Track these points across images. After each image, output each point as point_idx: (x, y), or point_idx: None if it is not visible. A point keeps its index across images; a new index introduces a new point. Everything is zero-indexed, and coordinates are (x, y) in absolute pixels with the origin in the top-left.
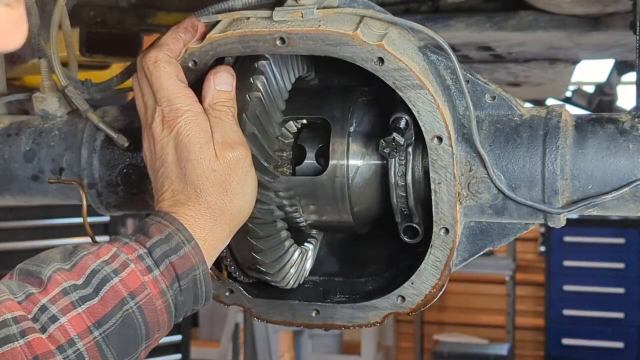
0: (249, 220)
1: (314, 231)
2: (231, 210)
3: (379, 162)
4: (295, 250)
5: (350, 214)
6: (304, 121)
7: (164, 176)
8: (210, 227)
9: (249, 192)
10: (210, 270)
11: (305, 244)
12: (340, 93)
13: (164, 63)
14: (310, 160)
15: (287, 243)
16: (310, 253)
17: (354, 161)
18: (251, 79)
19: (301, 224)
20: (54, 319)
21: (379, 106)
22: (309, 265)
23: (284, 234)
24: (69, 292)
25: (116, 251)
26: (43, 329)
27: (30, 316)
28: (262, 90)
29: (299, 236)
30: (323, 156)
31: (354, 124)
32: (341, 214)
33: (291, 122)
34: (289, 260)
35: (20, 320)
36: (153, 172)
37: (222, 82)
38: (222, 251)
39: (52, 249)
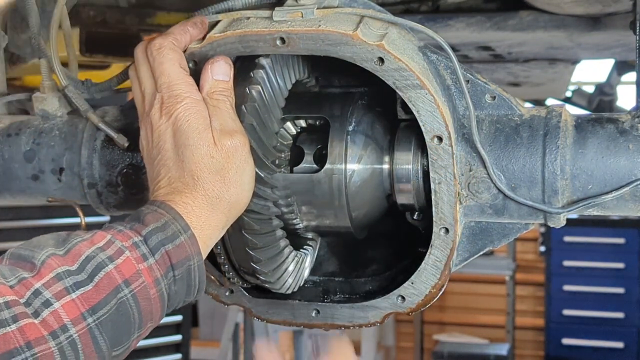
0: (244, 214)
1: (311, 235)
2: (228, 199)
3: (377, 166)
4: (291, 253)
5: (347, 215)
6: (303, 124)
7: (160, 164)
8: (207, 216)
9: (247, 181)
10: (213, 277)
11: (303, 249)
12: (340, 95)
13: (168, 50)
14: (308, 163)
15: (282, 243)
16: (308, 259)
17: (351, 159)
18: (251, 73)
19: (298, 227)
20: (47, 303)
21: (378, 109)
22: (306, 271)
23: (280, 232)
24: (63, 277)
25: (111, 238)
26: (36, 314)
27: (22, 300)
28: (262, 84)
29: (296, 241)
30: (321, 159)
31: (353, 123)
32: (338, 215)
33: (289, 124)
34: (284, 261)
35: (12, 305)
36: (149, 160)
37: (219, 71)
38: (219, 251)
39: (45, 234)
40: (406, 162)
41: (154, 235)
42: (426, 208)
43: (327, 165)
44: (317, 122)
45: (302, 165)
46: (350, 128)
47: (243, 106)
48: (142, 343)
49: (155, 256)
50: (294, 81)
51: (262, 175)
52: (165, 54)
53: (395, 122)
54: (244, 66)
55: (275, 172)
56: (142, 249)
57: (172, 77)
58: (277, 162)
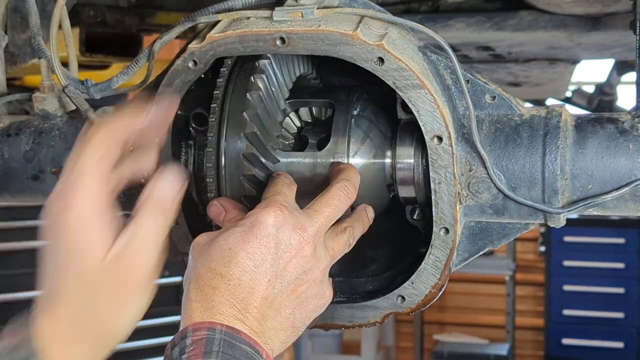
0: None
1: None
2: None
3: (379, 151)
4: None
5: None
6: (308, 119)
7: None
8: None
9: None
10: None
11: None
12: (344, 87)
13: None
14: (312, 150)
15: None
16: None
17: (355, 140)
18: (257, 63)
19: None
20: None
21: (382, 104)
22: None
23: None
24: None
25: None
26: None
27: None
28: (266, 73)
29: None
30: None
31: (358, 108)
32: None
33: (294, 115)
34: None
35: None
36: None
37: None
38: None
39: None
40: (408, 156)
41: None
42: (426, 205)
43: (329, 145)
44: (322, 115)
45: (306, 152)
46: (355, 112)
47: (248, 94)
48: (144, 343)
49: None
50: (297, 74)
51: (264, 162)
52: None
53: (396, 122)
54: (245, 66)
55: (278, 162)
56: None
57: None
58: (281, 147)
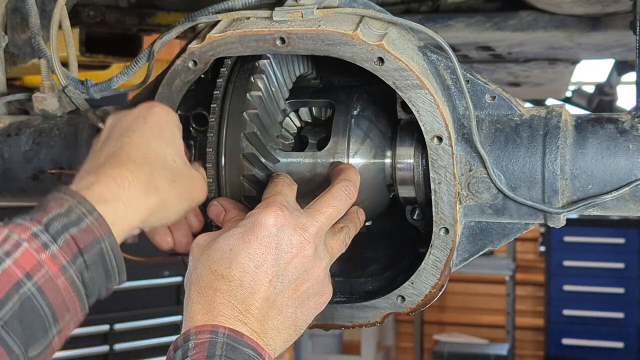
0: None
1: None
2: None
3: (379, 152)
4: None
5: None
6: (308, 119)
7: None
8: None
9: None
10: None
11: None
12: (344, 87)
13: None
14: (312, 150)
15: None
16: None
17: (355, 140)
18: (257, 63)
19: None
20: None
21: (382, 104)
22: None
23: None
24: None
25: (8, 233)
26: None
27: None
28: (266, 73)
29: None
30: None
31: (358, 108)
32: None
33: (294, 115)
34: None
35: None
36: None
37: None
38: None
39: None
40: (407, 156)
41: (55, 221)
42: (426, 205)
43: (329, 145)
44: (322, 115)
45: (306, 152)
46: (355, 112)
47: (248, 94)
48: (145, 343)
49: (58, 242)
50: (297, 74)
51: (264, 162)
52: None
53: (396, 122)
54: (245, 66)
55: (278, 162)
56: (43, 237)
57: None
58: (281, 147)
